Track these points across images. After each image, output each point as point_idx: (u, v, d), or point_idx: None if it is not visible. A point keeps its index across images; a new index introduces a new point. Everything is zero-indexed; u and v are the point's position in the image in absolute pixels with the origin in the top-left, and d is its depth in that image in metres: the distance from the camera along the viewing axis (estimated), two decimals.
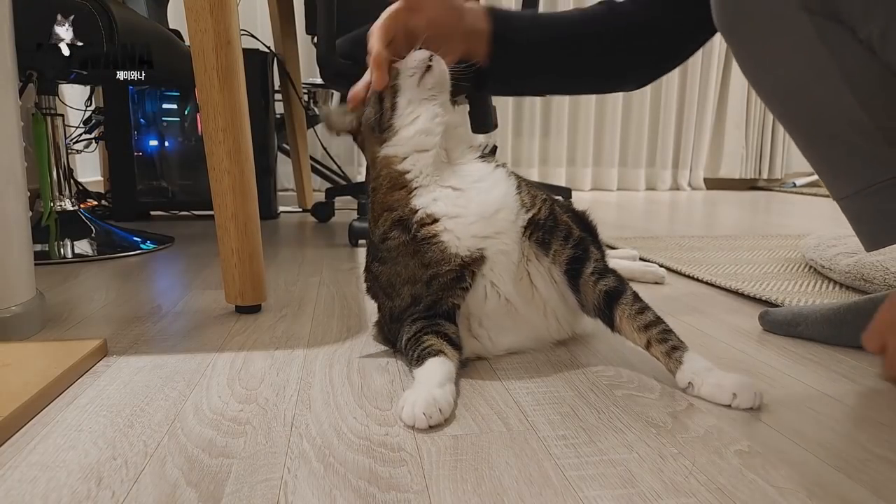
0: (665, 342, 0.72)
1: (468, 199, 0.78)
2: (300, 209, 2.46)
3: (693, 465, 0.55)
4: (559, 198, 0.94)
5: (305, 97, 2.49)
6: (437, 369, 0.69)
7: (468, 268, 0.77)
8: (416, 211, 0.77)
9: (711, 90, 3.81)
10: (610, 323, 0.76)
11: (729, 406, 0.66)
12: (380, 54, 0.80)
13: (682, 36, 0.98)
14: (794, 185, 3.99)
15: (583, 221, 1.00)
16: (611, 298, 0.76)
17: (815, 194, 3.58)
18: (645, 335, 0.73)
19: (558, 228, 0.80)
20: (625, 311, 0.75)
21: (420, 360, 0.71)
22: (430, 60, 0.80)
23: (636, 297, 0.76)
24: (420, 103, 0.80)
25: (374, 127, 0.81)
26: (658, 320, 0.74)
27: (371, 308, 1.04)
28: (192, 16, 0.91)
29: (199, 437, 0.59)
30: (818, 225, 2.26)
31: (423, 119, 0.80)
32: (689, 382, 0.70)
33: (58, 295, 1.13)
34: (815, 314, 0.89)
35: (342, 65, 1.70)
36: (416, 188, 0.79)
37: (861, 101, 0.73)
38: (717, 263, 1.39)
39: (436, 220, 0.77)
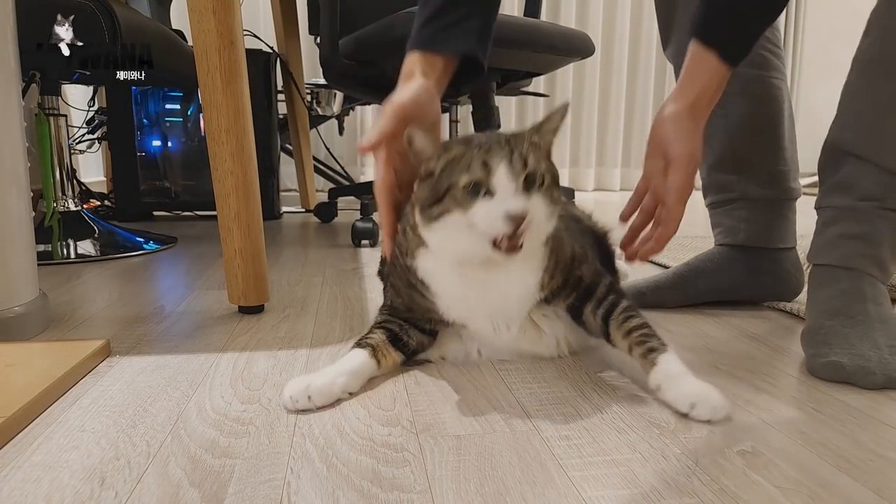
0: (643, 344, 0.70)
1: (483, 291, 0.73)
2: (303, 210, 2.46)
3: (696, 466, 0.54)
4: (573, 201, 0.91)
5: (308, 97, 2.49)
6: (346, 361, 0.71)
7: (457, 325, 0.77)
8: (416, 270, 0.74)
9: None
10: (608, 337, 0.75)
11: (686, 415, 0.64)
12: (390, 224, 0.77)
13: None
14: (798, 184, 3.98)
15: (601, 245, 0.95)
16: (607, 315, 0.75)
17: (815, 195, 3.56)
18: (627, 340, 0.72)
19: (567, 286, 0.76)
20: (615, 321, 0.74)
21: (354, 345, 0.74)
22: (521, 237, 0.65)
23: (628, 307, 0.75)
24: (477, 244, 0.67)
25: (421, 205, 0.70)
26: (642, 325, 0.72)
27: (373, 310, 1.05)
28: (195, 16, 0.91)
29: (202, 438, 0.59)
30: None
31: (464, 251, 0.69)
32: (658, 385, 0.67)
33: (61, 295, 1.13)
34: (658, 282, 1.05)
35: (345, 65, 1.70)
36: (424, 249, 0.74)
37: None
38: None
39: (432, 290, 0.74)
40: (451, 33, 0.81)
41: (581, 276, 0.77)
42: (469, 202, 0.65)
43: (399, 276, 0.78)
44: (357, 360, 0.72)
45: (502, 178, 0.65)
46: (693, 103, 0.79)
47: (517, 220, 0.63)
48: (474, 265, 0.71)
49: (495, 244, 0.66)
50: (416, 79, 0.79)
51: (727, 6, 0.79)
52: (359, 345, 0.75)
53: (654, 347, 0.70)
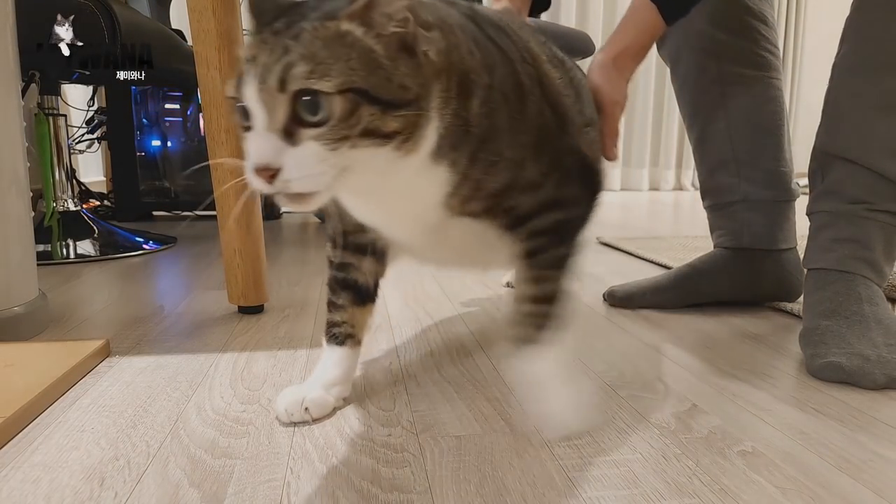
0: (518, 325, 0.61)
1: (380, 199, 0.58)
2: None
3: (696, 466, 0.54)
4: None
5: None
6: (329, 369, 0.66)
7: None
8: None
9: None
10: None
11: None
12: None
13: None
14: (797, 185, 3.98)
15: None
16: (528, 255, 0.62)
17: None
18: (516, 302, 0.62)
19: (494, 212, 0.59)
20: (530, 270, 0.62)
21: (329, 339, 0.68)
22: (285, 190, 0.45)
23: (555, 260, 0.62)
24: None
25: None
26: (541, 297, 0.61)
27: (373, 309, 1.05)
28: (195, 16, 0.91)
29: (201, 438, 0.59)
30: None
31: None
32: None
33: (60, 295, 1.13)
34: (660, 283, 1.07)
35: None
36: None
37: None
38: None
39: None
40: None
41: (514, 207, 0.59)
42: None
43: None
44: (340, 364, 0.67)
45: (252, 106, 0.45)
46: (619, 54, 0.81)
47: (263, 176, 0.44)
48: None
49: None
50: (503, 2, 0.95)
51: None
52: (333, 339, 0.67)
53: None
